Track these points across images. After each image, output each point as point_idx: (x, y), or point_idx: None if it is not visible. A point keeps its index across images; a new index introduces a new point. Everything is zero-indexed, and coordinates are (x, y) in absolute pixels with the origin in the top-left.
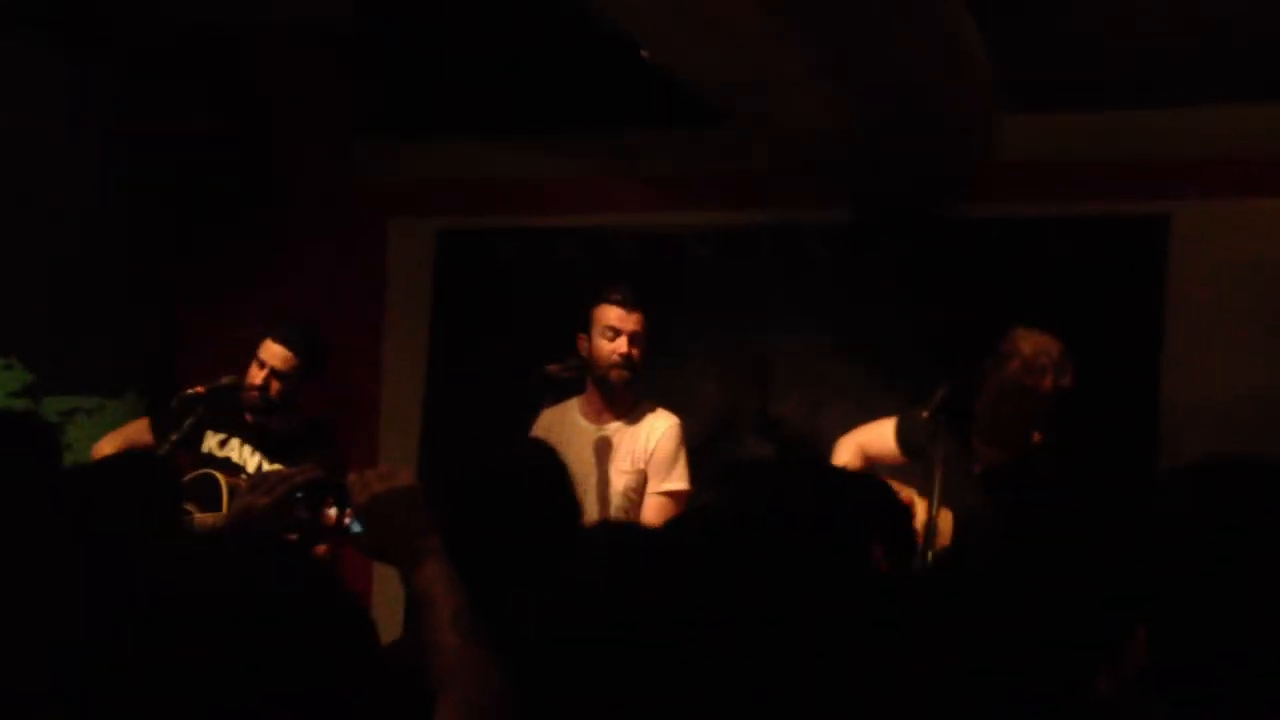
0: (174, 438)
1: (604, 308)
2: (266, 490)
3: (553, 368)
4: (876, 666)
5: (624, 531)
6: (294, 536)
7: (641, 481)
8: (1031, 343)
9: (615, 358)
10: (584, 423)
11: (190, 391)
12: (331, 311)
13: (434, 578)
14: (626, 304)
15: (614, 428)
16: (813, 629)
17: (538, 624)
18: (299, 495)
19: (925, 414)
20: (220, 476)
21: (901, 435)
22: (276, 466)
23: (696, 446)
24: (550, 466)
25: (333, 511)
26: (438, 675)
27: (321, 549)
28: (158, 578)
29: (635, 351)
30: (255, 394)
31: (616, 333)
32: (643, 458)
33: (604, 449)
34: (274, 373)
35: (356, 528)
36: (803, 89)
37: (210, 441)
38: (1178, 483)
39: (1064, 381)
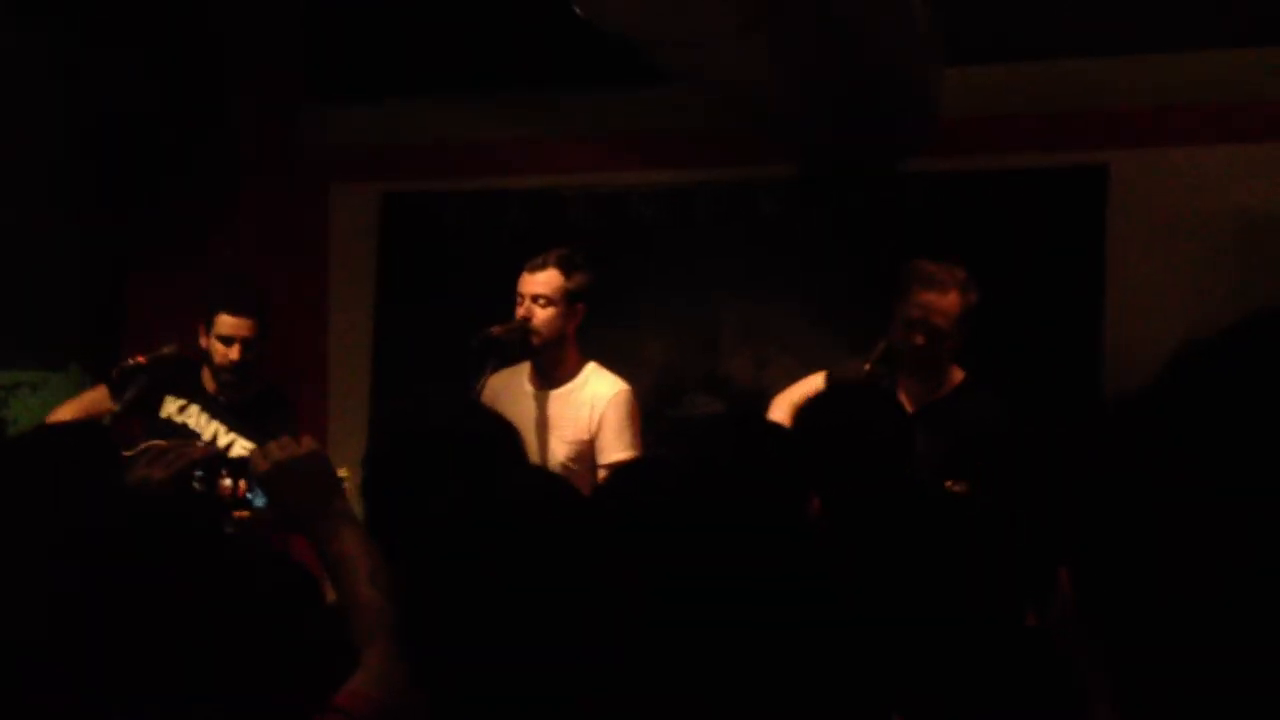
0: (116, 410)
1: (520, 275)
2: (165, 465)
3: (495, 330)
4: (810, 615)
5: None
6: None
7: (582, 451)
8: (928, 270)
9: (515, 323)
10: (529, 387)
11: (131, 363)
12: (278, 276)
13: (349, 540)
14: (531, 267)
15: (555, 394)
16: (745, 580)
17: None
18: (197, 472)
19: (866, 366)
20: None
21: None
22: (235, 436)
23: (646, 404)
24: (497, 430)
25: (227, 483)
26: (359, 632)
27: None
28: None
29: (538, 313)
30: (233, 372)
31: (521, 298)
32: (586, 428)
33: (542, 416)
34: (244, 344)
35: (260, 501)
36: (735, 43)
37: (170, 407)
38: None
39: (968, 299)
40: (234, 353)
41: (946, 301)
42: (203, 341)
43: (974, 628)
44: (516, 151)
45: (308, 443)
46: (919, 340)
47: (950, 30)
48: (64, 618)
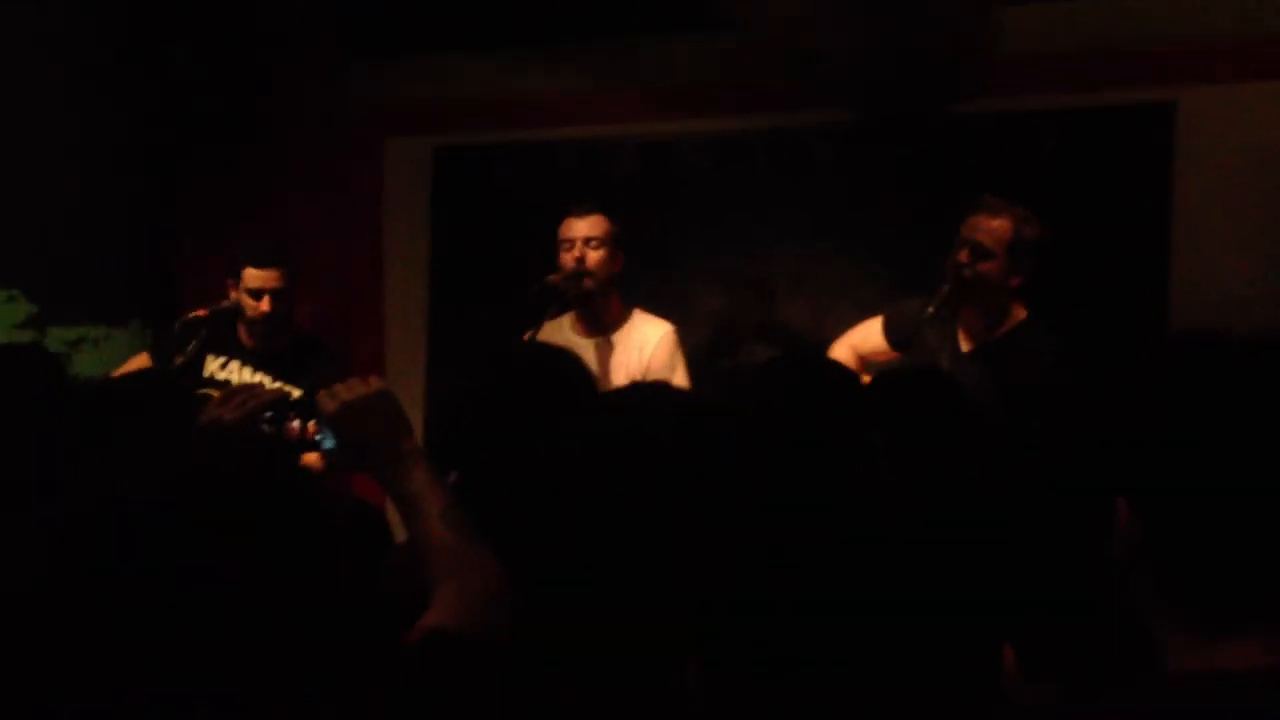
0: (179, 361)
1: (563, 221)
2: (235, 407)
3: (553, 278)
4: (878, 553)
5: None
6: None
7: None
8: (987, 198)
9: (570, 269)
10: (576, 337)
11: (192, 315)
12: (332, 232)
13: (419, 479)
14: (576, 213)
15: (605, 341)
16: (813, 514)
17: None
18: (266, 414)
19: (931, 309)
20: (216, 395)
21: (889, 329)
22: (280, 386)
23: (699, 357)
24: (574, 369)
25: (295, 425)
26: (432, 570)
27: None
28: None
29: (592, 256)
30: (265, 324)
31: (570, 243)
32: (638, 370)
33: (600, 363)
34: (274, 295)
35: (329, 443)
36: None
37: (211, 366)
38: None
39: (1023, 230)
40: (264, 304)
41: (996, 223)
42: (234, 296)
43: (1056, 557)
44: (568, 103)
45: (375, 382)
46: (962, 257)
47: None
48: (151, 559)
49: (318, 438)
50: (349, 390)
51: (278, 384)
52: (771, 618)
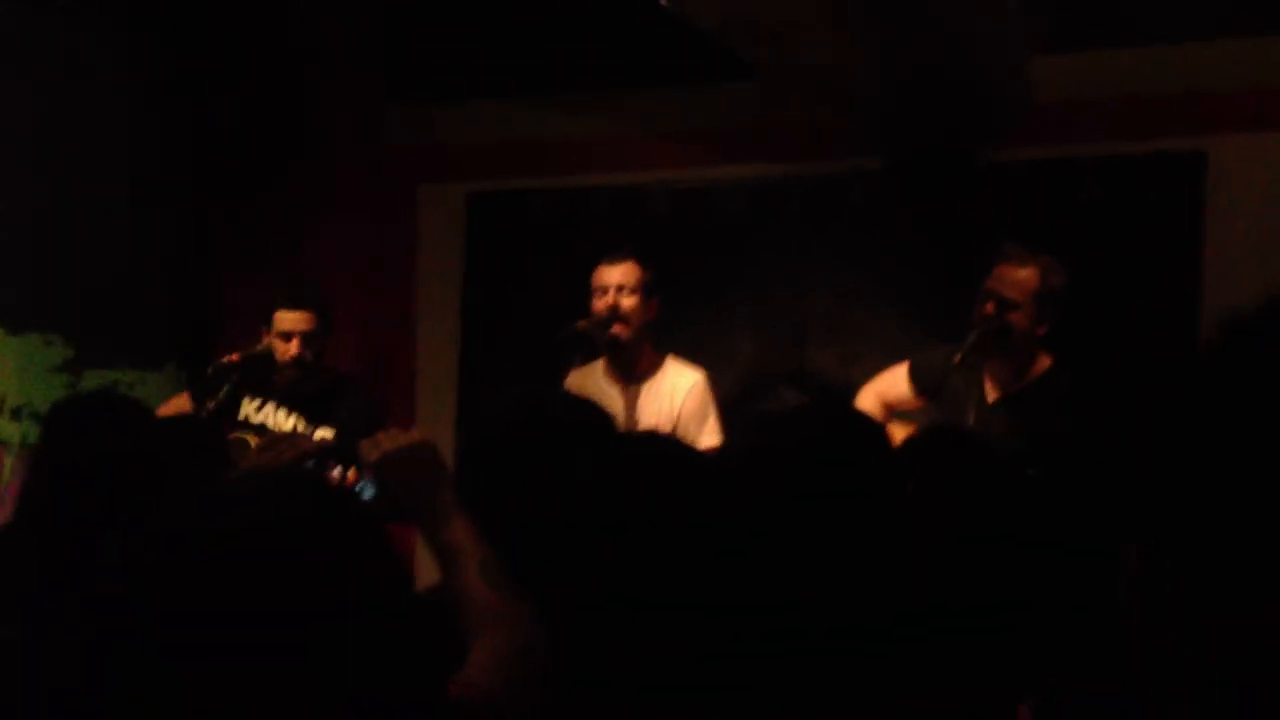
0: (211, 405)
1: (596, 268)
2: (277, 454)
3: (581, 324)
4: (905, 596)
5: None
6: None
7: None
8: (1011, 248)
9: (601, 315)
10: (607, 385)
11: (225, 360)
12: (366, 277)
13: (459, 530)
14: (609, 260)
15: (636, 389)
16: (846, 563)
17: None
18: (309, 462)
19: (957, 358)
20: (252, 440)
21: (916, 377)
22: (314, 427)
23: (731, 403)
24: (598, 418)
25: (336, 473)
26: (469, 622)
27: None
28: (186, 519)
29: (625, 303)
30: (294, 368)
31: (605, 290)
32: (668, 418)
33: (629, 411)
34: (304, 338)
35: (369, 492)
36: (823, 34)
37: (247, 409)
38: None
39: (1049, 280)
40: (294, 347)
41: (1022, 274)
42: (266, 341)
43: (1075, 612)
44: (600, 148)
45: (417, 433)
46: (987, 309)
47: (1043, 16)
48: (186, 608)
49: (358, 487)
50: (390, 440)
51: (311, 426)
52: (792, 670)
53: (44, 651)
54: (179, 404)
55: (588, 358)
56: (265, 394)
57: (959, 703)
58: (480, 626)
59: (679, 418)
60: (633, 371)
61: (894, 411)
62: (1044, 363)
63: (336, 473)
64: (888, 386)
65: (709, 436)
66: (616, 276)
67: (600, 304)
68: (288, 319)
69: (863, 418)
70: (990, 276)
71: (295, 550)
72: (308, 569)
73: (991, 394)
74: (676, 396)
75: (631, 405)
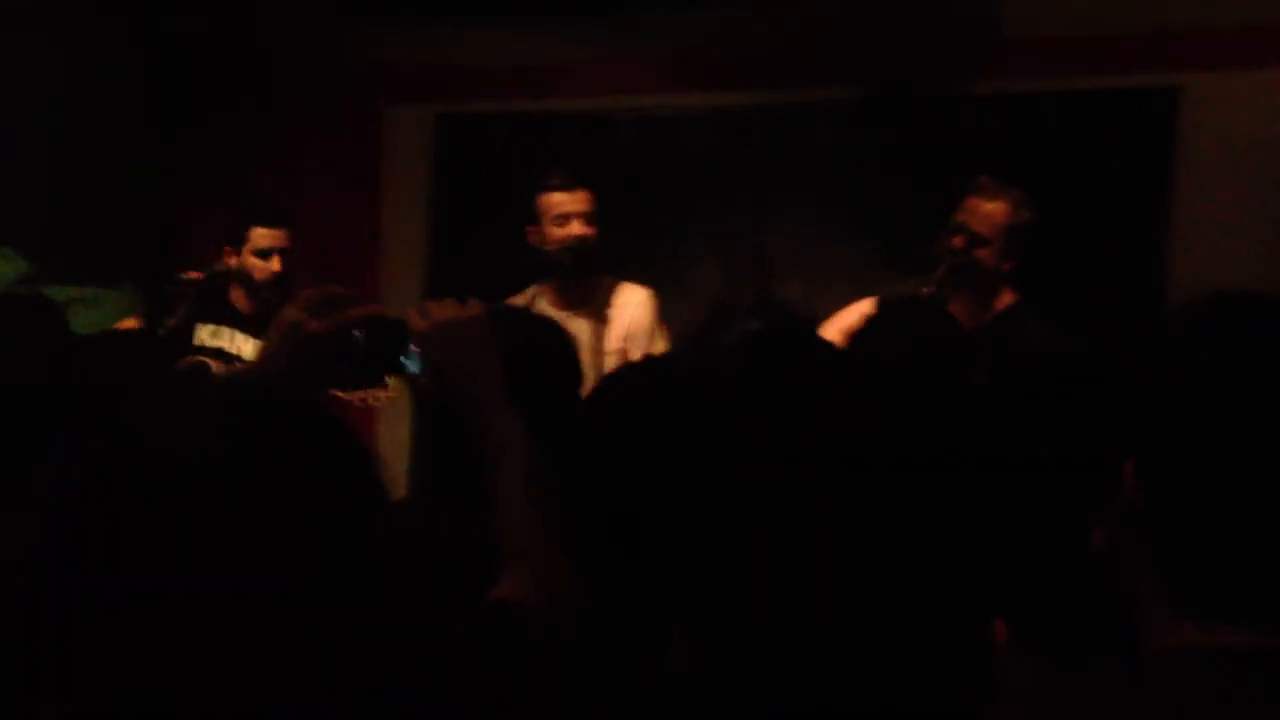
0: (171, 323)
1: (547, 196)
2: (324, 316)
3: (552, 248)
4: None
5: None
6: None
7: (624, 360)
8: (981, 181)
9: (572, 241)
10: (556, 312)
11: (186, 278)
12: (329, 199)
13: (510, 427)
14: (568, 185)
15: (589, 311)
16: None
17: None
18: (357, 330)
19: (924, 290)
20: (213, 364)
21: None
22: None
23: (694, 334)
24: (560, 338)
25: (380, 345)
26: (506, 543)
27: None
28: (137, 437)
29: (589, 231)
30: (276, 284)
31: (566, 218)
32: (620, 331)
33: (585, 335)
34: (284, 254)
35: (413, 366)
36: None
37: (201, 334)
38: (1174, 320)
39: (1018, 214)
40: (274, 264)
41: (991, 207)
42: (232, 261)
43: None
44: (568, 73)
45: (474, 305)
46: (956, 242)
47: None
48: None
49: (404, 359)
50: (441, 310)
51: None
52: (753, 587)
53: None
54: (129, 328)
55: (554, 281)
56: (221, 318)
57: (936, 619)
58: (517, 548)
59: (629, 332)
60: (582, 296)
61: None
62: (1006, 298)
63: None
64: (853, 321)
65: (658, 349)
66: (576, 204)
67: (563, 231)
68: (267, 235)
69: (823, 342)
70: (960, 209)
71: (265, 471)
72: (281, 493)
73: None
74: (626, 312)
75: (587, 328)
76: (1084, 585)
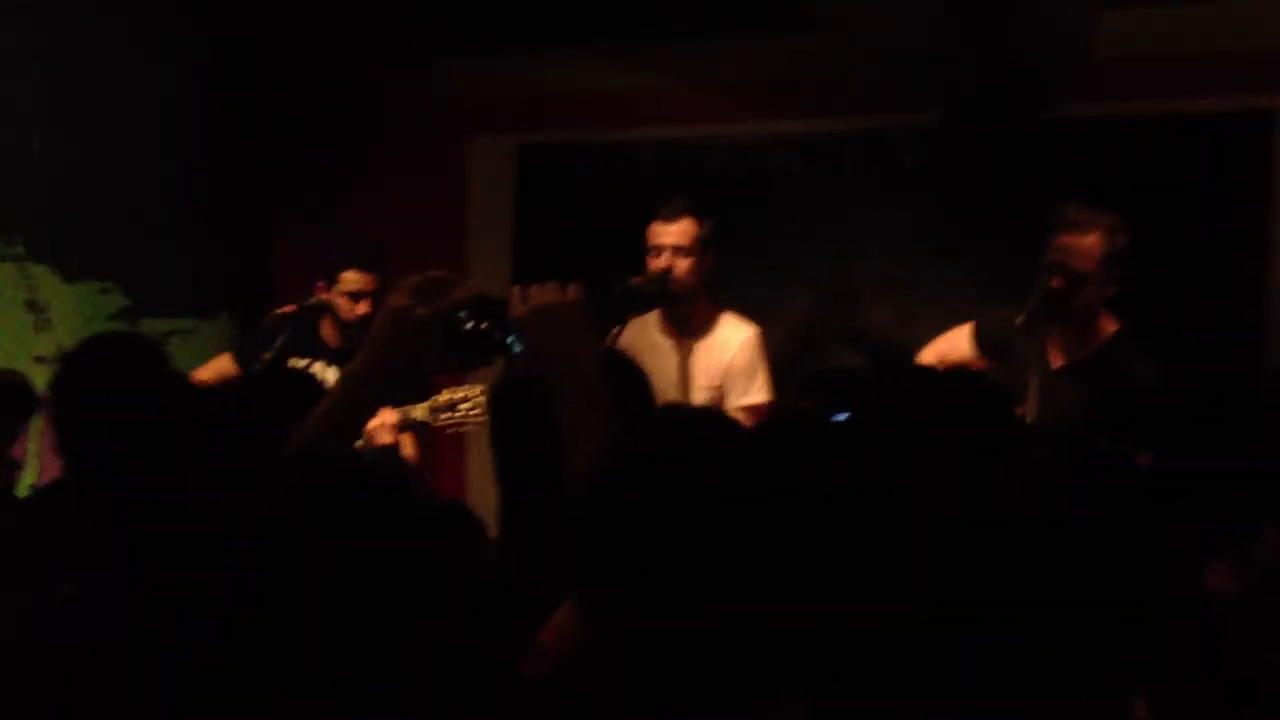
0: (266, 358)
1: (651, 225)
2: (430, 300)
3: (636, 280)
4: (978, 563)
5: (704, 422)
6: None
7: (717, 398)
8: (1071, 213)
9: (654, 274)
10: (661, 339)
11: (281, 311)
12: (417, 230)
13: (598, 408)
14: (669, 216)
15: (689, 343)
16: (912, 531)
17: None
18: (462, 312)
19: (1019, 319)
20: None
21: (981, 339)
22: None
23: (783, 361)
24: (630, 374)
25: (484, 325)
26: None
27: (411, 452)
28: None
29: (679, 264)
30: (361, 328)
31: (660, 250)
32: (718, 372)
33: (683, 366)
34: (373, 299)
35: (516, 346)
36: None
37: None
38: None
39: (1114, 242)
40: (362, 307)
41: (1086, 243)
42: (323, 297)
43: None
44: (652, 102)
45: (574, 290)
46: (1055, 283)
47: None
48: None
49: (509, 340)
50: (540, 294)
51: None
52: (877, 656)
53: (95, 609)
54: (220, 365)
55: (639, 314)
56: (313, 352)
57: (1071, 694)
58: None
59: (728, 371)
60: (687, 326)
61: None
62: (1109, 327)
63: (485, 325)
64: (949, 348)
65: (757, 393)
66: (672, 236)
67: (656, 263)
68: (359, 280)
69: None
70: (1054, 246)
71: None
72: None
73: (1055, 360)
74: (728, 350)
75: (685, 359)
76: (1216, 650)
